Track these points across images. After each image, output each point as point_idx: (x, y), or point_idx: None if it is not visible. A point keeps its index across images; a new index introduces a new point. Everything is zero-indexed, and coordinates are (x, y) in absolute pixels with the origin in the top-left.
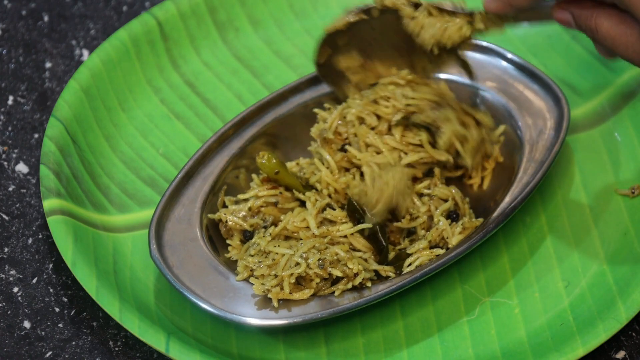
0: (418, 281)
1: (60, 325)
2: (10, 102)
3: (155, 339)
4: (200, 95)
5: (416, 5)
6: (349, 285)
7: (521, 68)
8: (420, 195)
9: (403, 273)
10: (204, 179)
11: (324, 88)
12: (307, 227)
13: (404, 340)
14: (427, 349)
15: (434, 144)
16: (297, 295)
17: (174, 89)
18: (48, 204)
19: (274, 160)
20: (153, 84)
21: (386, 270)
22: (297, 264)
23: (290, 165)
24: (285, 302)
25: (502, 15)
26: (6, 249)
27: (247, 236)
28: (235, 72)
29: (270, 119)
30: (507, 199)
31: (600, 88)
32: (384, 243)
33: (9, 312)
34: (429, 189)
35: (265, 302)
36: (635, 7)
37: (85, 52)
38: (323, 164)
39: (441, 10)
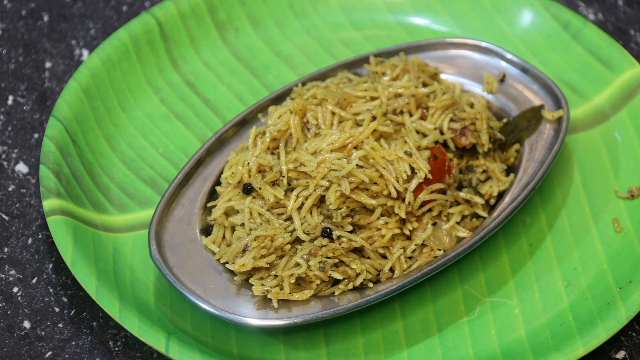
0: (418, 281)
1: (60, 325)
2: (10, 102)
3: (155, 339)
4: (200, 95)
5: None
6: (350, 286)
7: (521, 68)
8: None
9: (403, 273)
10: (204, 179)
11: None
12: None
13: (404, 340)
14: (427, 349)
15: None
16: (297, 296)
17: (174, 89)
18: (48, 204)
19: None
20: (153, 84)
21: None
22: (297, 264)
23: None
24: (285, 303)
25: None
26: (6, 249)
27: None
28: (235, 72)
29: None
30: (507, 199)
31: (600, 88)
32: None
33: (9, 312)
34: None
35: (265, 302)
36: None
37: (85, 52)
38: None
39: None
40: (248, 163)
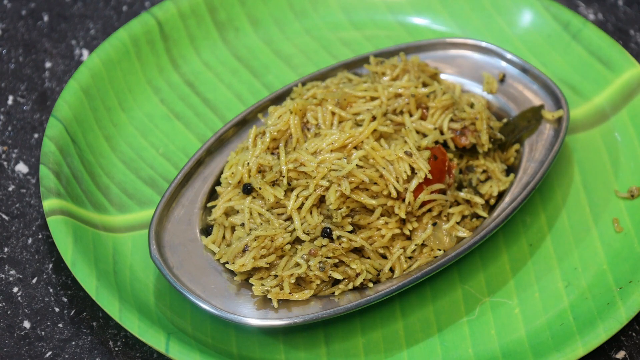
0: (418, 281)
1: (60, 325)
2: (10, 102)
3: (155, 339)
4: (200, 95)
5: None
6: (350, 286)
7: (521, 68)
8: None
9: (403, 273)
10: (204, 179)
11: None
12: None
13: (404, 340)
14: (427, 349)
15: None
16: (297, 296)
17: (174, 89)
18: (48, 204)
19: None
20: (153, 84)
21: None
22: (297, 264)
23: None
24: (285, 303)
25: None
26: (6, 249)
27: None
28: (235, 72)
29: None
30: (507, 199)
31: (600, 88)
32: None
33: (9, 312)
34: None
35: (265, 302)
36: None
37: (85, 52)
38: None
39: None
40: (248, 163)
